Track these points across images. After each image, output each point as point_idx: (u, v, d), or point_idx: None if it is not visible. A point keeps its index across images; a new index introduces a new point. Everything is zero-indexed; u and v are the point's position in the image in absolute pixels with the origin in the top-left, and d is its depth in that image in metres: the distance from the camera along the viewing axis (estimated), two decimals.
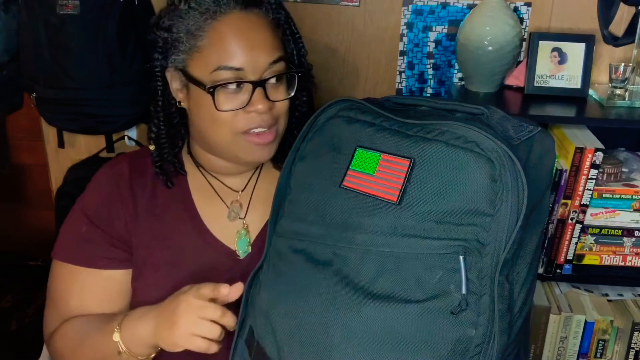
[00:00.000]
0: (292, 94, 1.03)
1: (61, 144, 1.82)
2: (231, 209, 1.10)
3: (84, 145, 1.90)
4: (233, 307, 0.99)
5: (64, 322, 1.08)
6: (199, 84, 1.00)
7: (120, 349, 0.97)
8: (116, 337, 0.97)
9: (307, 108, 1.11)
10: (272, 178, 1.09)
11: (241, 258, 1.08)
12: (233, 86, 0.98)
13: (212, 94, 0.98)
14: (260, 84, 0.98)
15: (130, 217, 1.07)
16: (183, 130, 1.11)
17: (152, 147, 1.08)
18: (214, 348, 0.92)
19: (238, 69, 0.98)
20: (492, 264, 0.76)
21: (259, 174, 1.14)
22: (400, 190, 0.80)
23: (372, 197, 0.81)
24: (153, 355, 1.00)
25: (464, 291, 0.76)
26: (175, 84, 1.05)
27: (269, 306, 0.89)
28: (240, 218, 1.10)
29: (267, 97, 0.99)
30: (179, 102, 1.06)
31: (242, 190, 1.11)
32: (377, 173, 0.82)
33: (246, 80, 0.98)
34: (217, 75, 0.98)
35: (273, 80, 1.00)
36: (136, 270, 1.07)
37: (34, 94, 1.64)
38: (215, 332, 0.91)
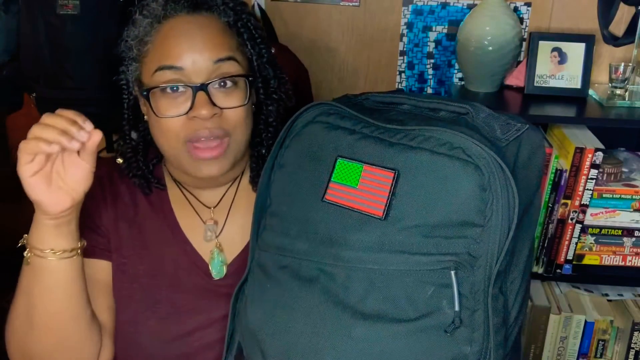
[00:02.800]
0: (247, 101, 0.96)
1: None
2: (206, 229, 1.04)
3: None
4: (221, 319, 0.97)
5: None
6: (141, 89, 0.97)
7: (25, 252, 0.90)
8: (23, 241, 0.92)
9: (275, 119, 1.04)
10: (249, 193, 1.05)
11: (215, 279, 1.03)
12: (176, 90, 0.93)
13: (147, 97, 0.95)
14: (202, 87, 0.92)
15: (111, 221, 1.05)
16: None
17: (119, 161, 1.05)
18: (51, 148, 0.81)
19: (178, 68, 0.93)
20: (484, 277, 0.74)
21: (237, 188, 1.07)
22: (386, 205, 0.76)
23: (357, 211, 0.78)
24: (56, 251, 0.89)
25: (457, 307, 0.74)
26: (138, 95, 1.01)
27: (256, 326, 0.85)
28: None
29: (212, 102, 0.93)
30: (144, 115, 1.02)
31: (214, 207, 1.06)
32: (360, 186, 0.79)
33: (186, 83, 0.93)
34: (158, 77, 0.94)
35: (222, 84, 0.94)
36: (113, 280, 1.04)
37: (34, 94, 1.64)
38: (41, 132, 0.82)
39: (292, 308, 0.81)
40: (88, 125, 0.83)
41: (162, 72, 0.93)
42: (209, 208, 1.06)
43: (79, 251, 0.92)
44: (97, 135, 0.84)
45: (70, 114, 0.84)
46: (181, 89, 0.93)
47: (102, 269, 1.03)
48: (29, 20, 1.58)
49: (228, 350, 0.94)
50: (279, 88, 1.04)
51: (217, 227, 1.05)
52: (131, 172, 1.04)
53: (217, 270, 1.03)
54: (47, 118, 0.84)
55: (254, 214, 0.91)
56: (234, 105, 0.95)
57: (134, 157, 1.04)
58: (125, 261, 1.03)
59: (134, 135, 1.04)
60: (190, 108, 0.93)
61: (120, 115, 0.99)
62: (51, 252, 0.89)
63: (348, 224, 0.78)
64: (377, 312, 0.76)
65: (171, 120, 0.94)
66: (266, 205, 0.90)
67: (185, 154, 0.96)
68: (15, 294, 0.94)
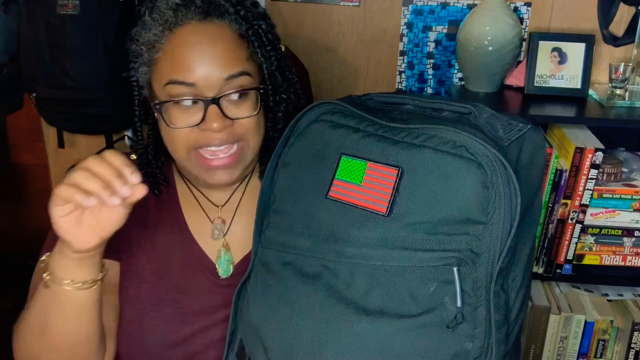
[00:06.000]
0: (257, 112, 0.96)
1: (61, 144, 1.83)
2: (213, 228, 1.05)
3: (84, 145, 1.91)
4: (225, 319, 0.97)
5: None
6: (153, 97, 0.97)
7: (45, 275, 0.87)
8: (43, 260, 0.88)
9: (283, 119, 1.03)
10: (257, 192, 1.02)
11: (222, 277, 1.03)
12: (187, 102, 0.94)
13: (159, 110, 0.95)
14: (214, 101, 0.92)
15: None
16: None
17: (133, 157, 1.05)
18: (88, 201, 0.76)
19: (190, 84, 0.92)
20: (486, 274, 0.75)
21: (245, 187, 1.08)
22: (389, 202, 0.77)
23: (360, 208, 0.79)
24: (76, 282, 0.86)
25: (459, 304, 0.74)
26: (149, 99, 1.01)
27: (258, 322, 0.86)
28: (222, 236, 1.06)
29: (224, 114, 0.93)
30: (154, 112, 1.02)
31: (222, 206, 1.07)
32: (364, 183, 0.79)
33: (199, 97, 0.93)
34: (169, 90, 0.94)
35: (234, 97, 0.94)
36: (120, 279, 1.04)
37: (34, 94, 1.64)
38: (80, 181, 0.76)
39: (295, 304, 0.82)
40: (134, 178, 0.79)
41: (174, 85, 0.93)
42: (217, 207, 1.07)
43: (99, 282, 0.89)
44: (141, 191, 0.79)
45: (119, 161, 0.78)
46: (193, 102, 0.94)
47: (109, 268, 1.01)
48: (29, 20, 1.58)
49: (229, 348, 0.94)
50: (288, 89, 1.04)
51: (224, 226, 1.06)
52: (142, 170, 1.05)
53: (224, 269, 1.04)
54: (93, 163, 0.78)
55: (257, 212, 0.92)
56: (245, 116, 0.96)
57: (145, 154, 1.05)
58: (134, 261, 1.04)
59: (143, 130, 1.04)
60: (202, 120, 0.93)
61: (119, 115, 0.99)
62: (71, 283, 0.86)
63: (351, 221, 0.79)
64: (379, 308, 0.76)
65: (182, 130, 0.95)
66: (270, 203, 0.90)
67: (194, 161, 0.97)
68: (28, 306, 0.93)
